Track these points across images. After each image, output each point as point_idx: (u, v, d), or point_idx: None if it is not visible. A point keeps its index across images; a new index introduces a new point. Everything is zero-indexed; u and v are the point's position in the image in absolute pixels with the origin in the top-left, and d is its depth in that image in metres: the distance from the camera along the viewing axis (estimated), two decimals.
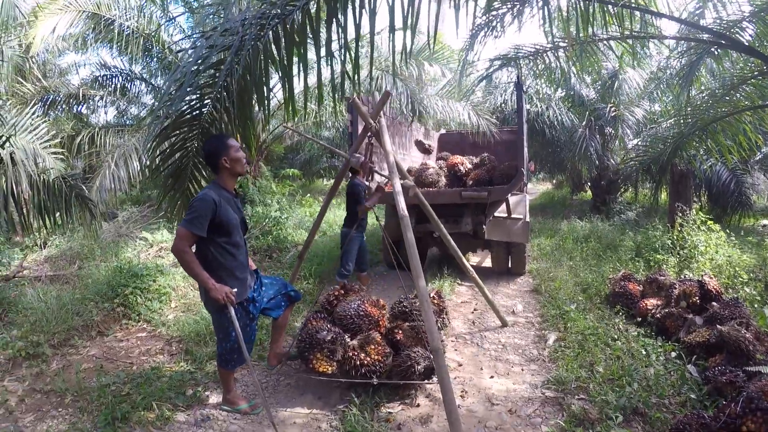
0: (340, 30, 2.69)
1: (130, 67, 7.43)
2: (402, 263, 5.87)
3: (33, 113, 4.78)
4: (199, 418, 2.93)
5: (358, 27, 2.55)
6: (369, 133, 3.71)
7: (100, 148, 6.78)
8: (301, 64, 2.92)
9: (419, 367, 2.85)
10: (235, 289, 2.63)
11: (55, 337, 3.95)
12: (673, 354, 3.39)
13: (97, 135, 6.85)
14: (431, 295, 3.64)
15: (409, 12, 2.42)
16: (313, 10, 2.78)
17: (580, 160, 10.24)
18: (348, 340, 3.04)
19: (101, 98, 7.37)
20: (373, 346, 2.94)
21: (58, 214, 4.41)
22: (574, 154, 10.00)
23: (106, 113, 7.74)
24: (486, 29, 5.20)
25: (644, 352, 3.42)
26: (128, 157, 6.16)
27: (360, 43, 2.80)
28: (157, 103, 3.22)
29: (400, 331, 3.16)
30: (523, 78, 9.73)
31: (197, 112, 3.28)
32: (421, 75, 7.72)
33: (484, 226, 5.47)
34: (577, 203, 14.64)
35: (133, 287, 4.72)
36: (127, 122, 7.91)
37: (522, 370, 3.48)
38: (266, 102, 3.21)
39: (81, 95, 7.07)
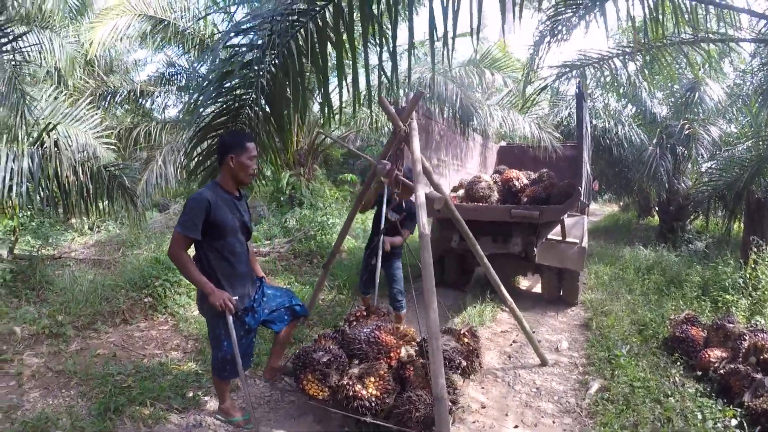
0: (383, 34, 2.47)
1: (194, 65, 7.67)
2: (450, 280, 5.52)
3: (87, 105, 5.02)
4: (191, 423, 2.80)
5: (411, 30, 2.30)
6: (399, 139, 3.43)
7: (155, 142, 7.05)
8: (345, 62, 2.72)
9: (418, 414, 2.46)
10: (236, 297, 2.47)
11: (80, 320, 4.04)
12: (734, 422, 2.82)
13: (154, 129, 7.13)
14: (462, 332, 3.24)
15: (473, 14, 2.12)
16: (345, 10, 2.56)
17: (648, 181, 9.30)
18: (349, 366, 2.74)
19: (160, 94, 7.70)
20: (374, 379, 2.59)
21: (103, 202, 4.55)
22: (643, 174, 9.10)
23: (164, 110, 8.05)
24: (550, 36, 4.84)
25: (700, 416, 2.86)
26: (176, 153, 6.32)
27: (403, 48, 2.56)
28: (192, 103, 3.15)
29: (412, 368, 2.79)
30: (589, 90, 9.01)
31: (233, 113, 3.22)
32: (482, 83, 7.35)
33: (534, 249, 5.02)
34: (642, 228, 13.43)
35: (164, 279, 4.78)
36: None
37: (553, 422, 3.03)
38: (301, 103, 3.08)
39: (140, 91, 7.43)
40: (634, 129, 9.82)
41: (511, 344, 4.43)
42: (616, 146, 9.89)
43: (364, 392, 2.52)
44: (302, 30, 2.74)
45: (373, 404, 2.51)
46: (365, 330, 2.89)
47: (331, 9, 2.68)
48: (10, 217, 5.62)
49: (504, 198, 5.32)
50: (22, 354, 3.46)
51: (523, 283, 6.84)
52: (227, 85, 3.04)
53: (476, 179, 5.18)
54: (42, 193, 3.89)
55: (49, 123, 3.94)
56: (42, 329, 3.76)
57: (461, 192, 5.39)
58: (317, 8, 2.69)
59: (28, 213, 6.04)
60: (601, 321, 4.77)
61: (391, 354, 2.81)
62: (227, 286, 2.48)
